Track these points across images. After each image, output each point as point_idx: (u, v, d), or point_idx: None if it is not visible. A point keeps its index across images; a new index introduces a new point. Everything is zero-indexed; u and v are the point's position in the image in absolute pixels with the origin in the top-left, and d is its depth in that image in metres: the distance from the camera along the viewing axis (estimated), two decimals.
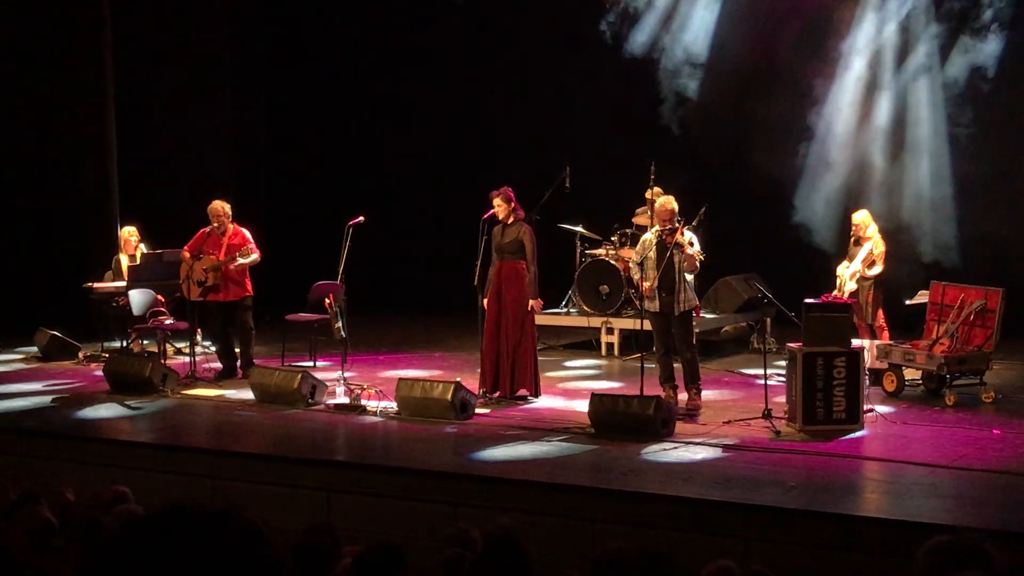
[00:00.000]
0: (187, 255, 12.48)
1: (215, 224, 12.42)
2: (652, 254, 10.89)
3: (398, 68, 17.81)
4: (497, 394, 11.25)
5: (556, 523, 8.15)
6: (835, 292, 11.98)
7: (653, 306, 10.90)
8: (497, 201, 11.19)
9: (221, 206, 12.45)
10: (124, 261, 13.96)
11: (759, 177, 14.95)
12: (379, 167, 18.07)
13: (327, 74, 18.18)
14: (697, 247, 10.86)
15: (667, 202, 10.98)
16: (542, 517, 8.14)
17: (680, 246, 10.70)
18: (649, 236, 11.05)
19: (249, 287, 12.50)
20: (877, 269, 12.08)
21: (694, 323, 11.27)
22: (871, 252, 12.08)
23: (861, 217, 12.28)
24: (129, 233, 14.13)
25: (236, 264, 12.24)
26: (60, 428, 10.57)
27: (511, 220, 11.22)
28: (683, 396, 10.98)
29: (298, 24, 18.23)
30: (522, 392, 11.30)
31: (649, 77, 15.96)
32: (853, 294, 12.06)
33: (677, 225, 10.82)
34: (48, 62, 15.88)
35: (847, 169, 14.45)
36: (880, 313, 12.21)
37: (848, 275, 12.11)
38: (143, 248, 13.92)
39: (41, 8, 15.90)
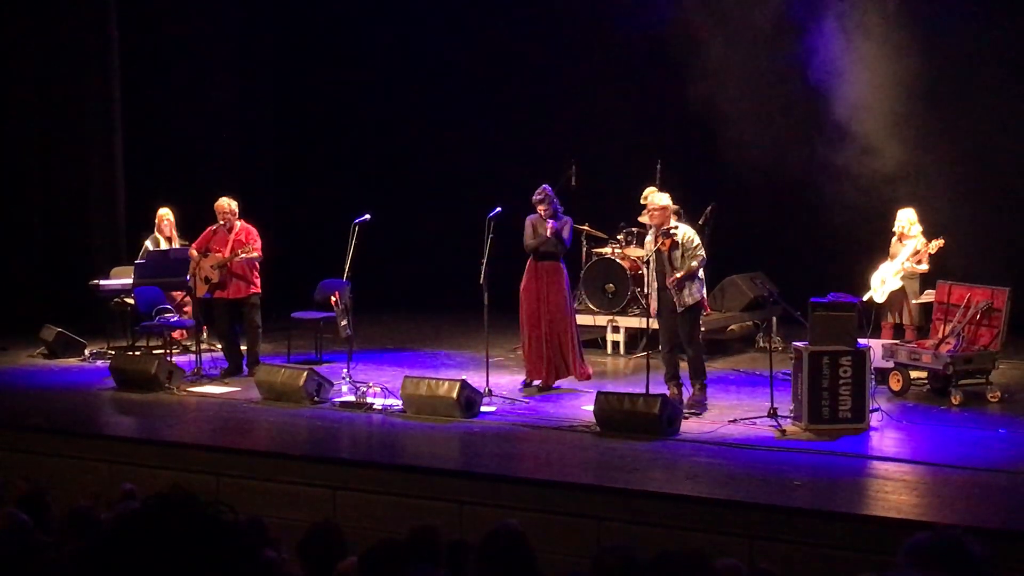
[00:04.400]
0: (194, 253, 12.52)
1: (221, 221, 12.46)
2: (652, 254, 10.93)
3: (404, 66, 17.80)
4: (539, 382, 11.57)
5: (561, 521, 8.15)
6: (868, 295, 11.94)
7: (653, 307, 10.93)
8: (543, 207, 11.47)
9: (228, 203, 12.49)
10: (160, 243, 13.88)
11: (766, 174, 14.92)
12: (385, 165, 18.07)
13: (333, 72, 18.17)
14: (695, 247, 10.81)
15: (656, 201, 11.02)
16: (547, 515, 8.15)
17: (675, 249, 10.73)
18: (649, 238, 11.12)
19: (257, 284, 12.55)
20: (924, 266, 12.03)
21: (700, 320, 11.24)
22: (919, 249, 11.97)
23: (907, 215, 12.24)
24: (163, 215, 13.95)
25: (239, 259, 12.29)
26: (66, 425, 10.59)
27: (552, 213, 11.50)
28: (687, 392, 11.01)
29: (304, 22, 18.23)
30: (566, 378, 11.64)
31: (656, 73, 15.92)
32: (896, 292, 12.01)
33: (672, 231, 10.79)
34: (54, 60, 15.88)
35: (860, 164, 14.40)
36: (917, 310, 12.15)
37: (892, 272, 12.04)
38: (174, 233, 13.83)
39: (47, 6, 15.90)
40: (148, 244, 13.89)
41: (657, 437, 9.58)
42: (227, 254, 12.34)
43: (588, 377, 11.69)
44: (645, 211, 13.76)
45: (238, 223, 12.51)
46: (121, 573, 2.15)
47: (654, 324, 11.19)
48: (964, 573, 3.06)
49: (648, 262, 11.04)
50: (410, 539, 5.44)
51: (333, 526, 5.82)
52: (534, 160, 15.26)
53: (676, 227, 10.94)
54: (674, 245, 10.76)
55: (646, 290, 11.30)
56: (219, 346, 12.95)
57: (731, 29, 14.40)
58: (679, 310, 10.80)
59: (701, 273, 10.93)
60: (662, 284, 10.84)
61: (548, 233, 11.46)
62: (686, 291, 10.76)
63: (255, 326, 12.57)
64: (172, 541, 2.15)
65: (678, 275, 10.69)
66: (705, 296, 11.20)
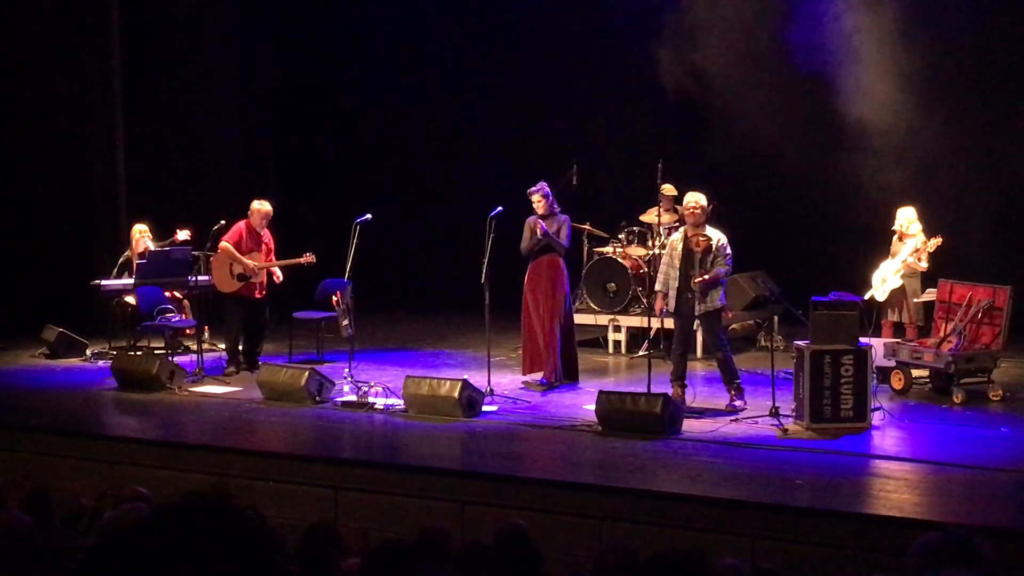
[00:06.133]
0: (229, 247, 12.50)
1: (260, 227, 12.58)
2: (678, 252, 10.79)
3: (405, 65, 17.80)
4: (540, 376, 11.68)
5: (563, 521, 8.15)
6: (869, 294, 11.95)
7: (670, 305, 10.84)
8: (536, 198, 11.62)
9: (269, 209, 12.63)
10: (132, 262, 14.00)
11: (767, 173, 14.92)
12: (387, 165, 18.07)
13: (334, 72, 18.18)
14: (726, 254, 10.68)
15: (697, 200, 10.80)
16: (549, 515, 8.14)
17: (705, 255, 10.62)
18: (676, 236, 10.97)
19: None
20: (924, 264, 12.04)
21: (722, 323, 11.08)
22: (920, 247, 11.97)
23: (906, 213, 12.24)
24: (140, 232, 14.08)
25: (307, 260, 12.71)
26: (67, 425, 10.59)
27: (548, 214, 11.59)
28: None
29: (304, 22, 18.23)
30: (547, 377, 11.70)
31: (657, 73, 15.91)
32: (896, 291, 12.02)
33: (707, 237, 10.65)
34: (56, 59, 15.89)
35: (862, 163, 14.39)
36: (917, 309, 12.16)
37: (892, 271, 12.05)
38: (150, 246, 13.90)
39: (48, 7, 15.91)
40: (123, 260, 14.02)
41: (659, 436, 9.58)
42: (264, 258, 12.57)
43: (548, 382, 11.63)
44: (653, 209, 13.79)
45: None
46: (154, 570, 2.14)
47: (658, 323, 11.15)
48: (975, 573, 3.06)
49: (649, 261, 11.01)
50: (417, 540, 5.43)
51: (330, 526, 5.81)
52: (534, 160, 15.25)
53: (710, 235, 10.74)
54: (707, 248, 10.66)
55: (664, 287, 10.94)
56: (221, 345, 13.02)
57: (731, 27, 14.38)
58: (698, 314, 10.71)
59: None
60: (684, 285, 10.73)
61: (539, 234, 11.51)
62: (709, 296, 10.66)
63: (264, 326, 12.85)
64: (209, 540, 2.14)
65: (705, 276, 10.58)
66: (727, 302, 10.99)
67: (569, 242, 11.84)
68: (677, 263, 10.80)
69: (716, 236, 10.77)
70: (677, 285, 10.78)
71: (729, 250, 10.77)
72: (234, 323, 12.74)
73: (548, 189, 11.72)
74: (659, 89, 15.29)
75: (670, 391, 10.73)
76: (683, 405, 10.45)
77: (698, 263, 10.65)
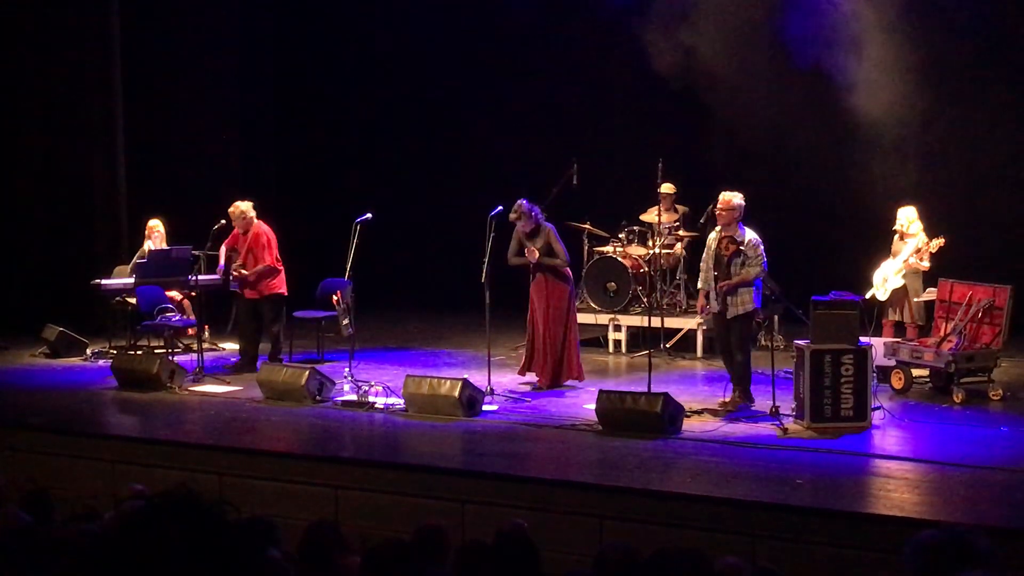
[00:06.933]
0: (223, 249, 12.84)
1: (238, 227, 12.61)
2: (711, 253, 10.65)
3: (405, 63, 17.80)
4: (532, 376, 11.69)
5: (563, 520, 8.15)
6: (870, 293, 11.94)
7: (713, 306, 10.73)
8: (521, 224, 11.50)
9: (235, 208, 12.65)
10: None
11: (768, 172, 14.91)
12: (387, 164, 18.07)
13: (335, 70, 18.18)
14: (758, 256, 10.48)
15: (727, 200, 10.59)
16: (549, 514, 8.15)
17: (736, 256, 10.47)
18: (712, 235, 10.79)
19: (275, 286, 12.80)
20: (926, 264, 12.02)
21: (752, 328, 10.97)
22: (921, 247, 11.96)
23: (907, 213, 12.23)
24: (150, 228, 14.06)
25: (248, 273, 12.64)
26: (68, 425, 10.59)
27: (534, 229, 11.50)
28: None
29: (305, 20, 18.23)
30: (570, 381, 11.70)
31: (657, 72, 15.94)
32: (898, 290, 12.01)
33: (735, 242, 10.49)
34: (55, 57, 15.87)
35: (863, 162, 14.37)
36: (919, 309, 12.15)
37: (893, 271, 12.04)
38: (151, 244, 13.90)
39: (48, 6, 15.89)
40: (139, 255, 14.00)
41: (659, 436, 9.58)
42: (243, 257, 12.63)
43: (540, 386, 11.66)
44: (653, 209, 13.80)
45: (254, 224, 12.74)
46: (124, 572, 2.15)
47: (695, 323, 10.99)
48: (970, 568, 3.05)
49: (649, 260, 11.00)
50: (415, 539, 5.44)
51: (331, 525, 5.81)
52: (535, 159, 15.26)
53: (744, 236, 10.54)
54: (736, 252, 10.51)
55: (706, 284, 10.72)
56: (221, 344, 13.08)
57: (732, 24, 14.37)
58: (730, 316, 10.56)
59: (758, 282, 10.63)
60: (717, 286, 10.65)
61: (532, 260, 11.47)
62: (738, 299, 10.52)
63: (269, 327, 12.78)
64: (176, 540, 2.16)
65: (731, 281, 10.45)
66: (759, 305, 10.71)
67: (565, 250, 11.61)
68: (711, 263, 10.68)
69: (748, 237, 10.56)
70: (714, 285, 10.65)
71: (762, 250, 10.54)
72: (240, 322, 12.93)
73: (528, 204, 11.52)
74: (659, 88, 15.29)
75: (729, 394, 10.62)
76: (751, 405, 10.48)
77: (725, 266, 10.55)
